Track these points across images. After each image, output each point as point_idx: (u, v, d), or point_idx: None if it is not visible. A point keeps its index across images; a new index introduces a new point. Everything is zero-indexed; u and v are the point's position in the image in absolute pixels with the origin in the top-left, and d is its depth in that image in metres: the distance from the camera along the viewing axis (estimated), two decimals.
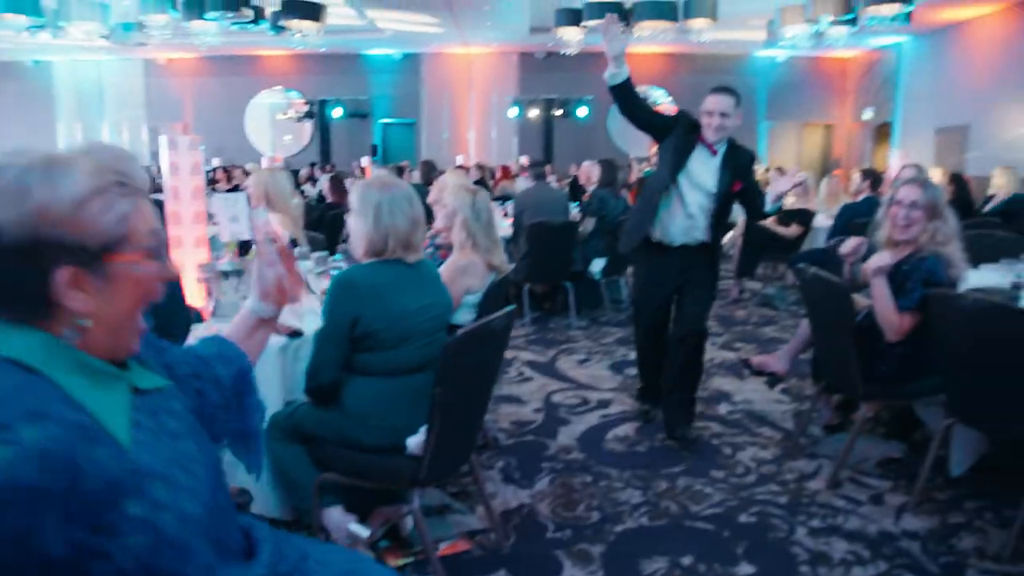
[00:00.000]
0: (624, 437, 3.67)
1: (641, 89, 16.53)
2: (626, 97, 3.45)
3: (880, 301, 3.00)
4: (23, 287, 0.91)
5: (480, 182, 8.58)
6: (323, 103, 14.84)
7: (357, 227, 2.36)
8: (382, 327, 2.27)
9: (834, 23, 10.11)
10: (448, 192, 3.12)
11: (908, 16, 9.59)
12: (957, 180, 6.51)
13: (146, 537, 0.89)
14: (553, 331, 5.67)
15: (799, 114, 15.82)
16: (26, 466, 0.80)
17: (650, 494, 3.09)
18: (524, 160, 11.48)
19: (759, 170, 11.59)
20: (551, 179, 11.30)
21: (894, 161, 7.57)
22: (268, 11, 10.44)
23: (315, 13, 10.06)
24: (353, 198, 2.41)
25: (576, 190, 8.66)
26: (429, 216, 2.83)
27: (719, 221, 3.60)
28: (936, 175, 7.27)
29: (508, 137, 15.03)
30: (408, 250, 2.34)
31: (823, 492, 3.09)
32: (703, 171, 3.50)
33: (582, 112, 14.63)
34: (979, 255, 4.14)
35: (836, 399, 3.78)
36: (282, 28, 10.31)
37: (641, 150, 15.20)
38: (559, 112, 14.73)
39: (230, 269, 3.10)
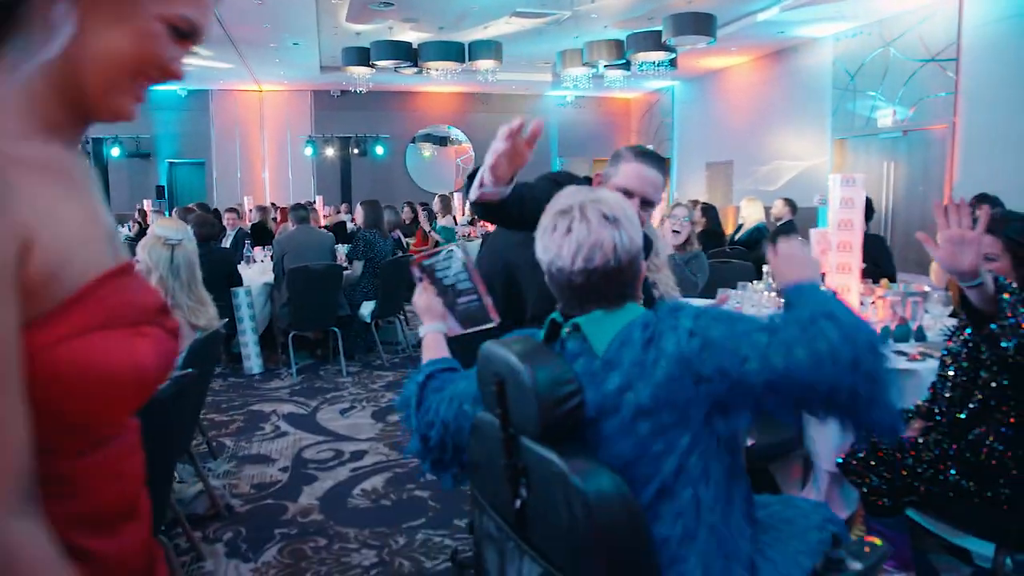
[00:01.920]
0: (371, 491, 3.48)
1: (440, 129, 16.41)
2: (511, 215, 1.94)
3: None
4: (629, 283, 1.36)
5: (260, 224, 8.14)
6: (99, 142, 13.64)
7: None
8: None
9: (609, 67, 10.73)
10: (142, 247, 2.80)
11: (673, 62, 10.37)
12: (709, 211, 6.98)
13: None
14: (322, 379, 5.39)
15: (589, 151, 16.62)
16: None
17: (385, 553, 2.92)
18: (318, 201, 11.13)
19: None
20: (347, 218, 11.06)
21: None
22: None
23: None
24: None
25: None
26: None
27: None
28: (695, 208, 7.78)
29: (305, 177, 14.57)
30: None
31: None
32: None
33: (379, 151, 14.49)
34: (721, 283, 4.38)
35: None
36: None
37: (446, 187, 15.30)
38: (356, 151, 14.48)
39: None
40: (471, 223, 10.43)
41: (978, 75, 8.83)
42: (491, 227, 10.16)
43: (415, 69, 10.33)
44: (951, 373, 2.44)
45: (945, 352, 2.52)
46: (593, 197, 1.34)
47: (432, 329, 1.72)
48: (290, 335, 5.30)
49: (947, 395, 2.42)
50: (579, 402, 1.22)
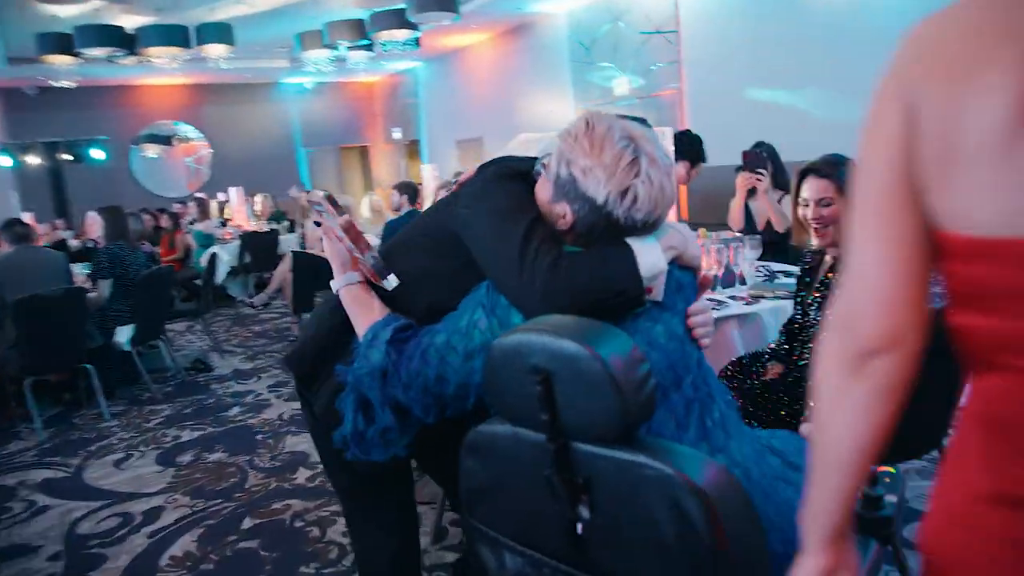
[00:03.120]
0: (186, 555, 2.77)
1: (164, 127, 14.71)
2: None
3: None
4: None
5: None
6: None
7: None
8: None
9: (352, 48, 10.15)
10: None
11: (417, 41, 10.05)
12: None
13: None
14: (80, 428, 4.35)
15: (335, 138, 15.88)
16: None
17: None
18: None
19: (302, 195, 11.13)
20: (67, 235, 9.41)
21: (426, 174, 7.72)
22: None
23: None
24: None
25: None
26: None
27: None
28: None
29: (3, 191, 12.19)
30: None
31: (431, 551, 2.63)
32: None
33: (97, 155, 12.50)
34: None
35: None
36: None
37: (178, 190, 13.69)
38: (68, 157, 12.36)
39: None
40: (223, 224, 9.38)
41: (697, 45, 9.57)
42: (248, 227, 9.18)
43: (134, 58, 8.95)
44: (811, 314, 2.38)
45: (804, 294, 2.46)
46: (650, 139, 1.27)
47: (348, 281, 1.44)
48: (25, 382, 4.19)
49: (810, 334, 2.36)
50: (655, 382, 1.03)
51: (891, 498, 1.29)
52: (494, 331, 1.26)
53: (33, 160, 12.17)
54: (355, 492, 1.60)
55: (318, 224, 1.51)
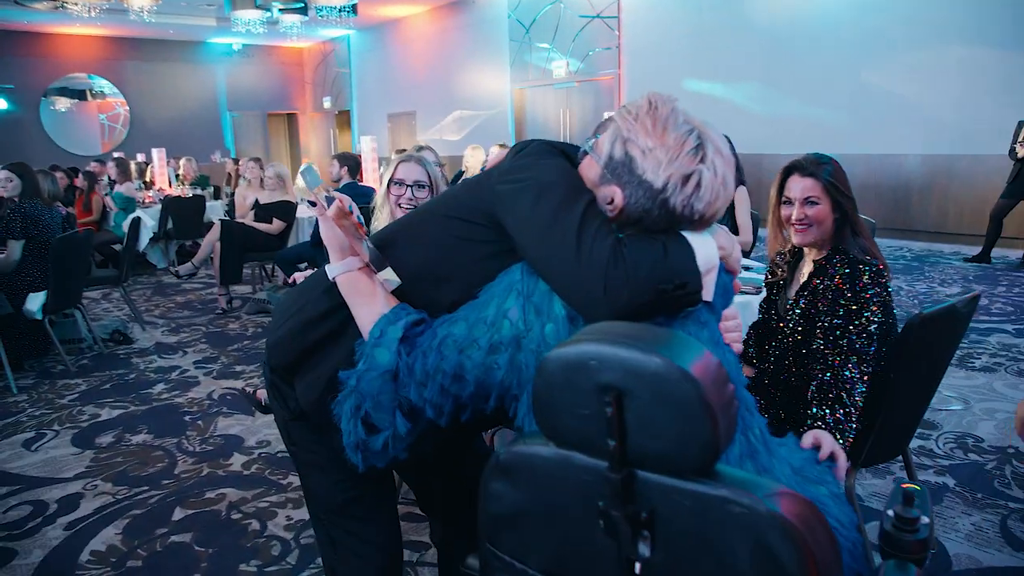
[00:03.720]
0: (110, 549, 2.48)
1: (78, 80, 13.77)
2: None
3: None
4: None
5: None
6: None
7: None
8: None
9: (285, 10, 9.67)
10: None
11: (355, 8, 9.63)
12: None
13: None
14: None
15: (262, 104, 15.16)
16: None
17: None
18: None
19: (228, 164, 10.59)
20: None
21: (364, 146, 7.42)
22: None
23: None
24: None
25: None
26: None
27: None
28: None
29: None
30: None
31: None
32: None
33: (1, 104, 11.51)
34: None
35: None
36: None
37: (91, 148, 12.78)
38: None
39: None
40: (142, 187, 8.77)
41: (637, 32, 9.50)
42: (171, 191, 8.62)
43: (47, 3, 8.22)
44: (791, 323, 2.24)
45: (776, 298, 2.35)
46: (714, 128, 1.12)
47: (347, 268, 1.24)
48: None
49: (788, 340, 2.23)
50: (738, 403, 0.87)
51: (924, 520, 1.19)
52: (528, 322, 1.10)
53: None
54: (348, 499, 1.39)
55: (312, 204, 1.30)
